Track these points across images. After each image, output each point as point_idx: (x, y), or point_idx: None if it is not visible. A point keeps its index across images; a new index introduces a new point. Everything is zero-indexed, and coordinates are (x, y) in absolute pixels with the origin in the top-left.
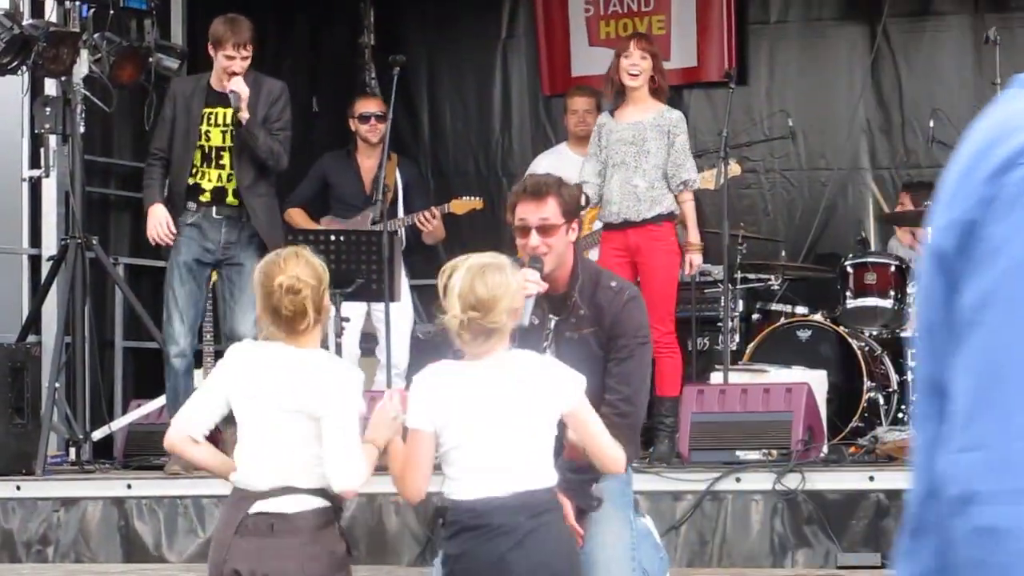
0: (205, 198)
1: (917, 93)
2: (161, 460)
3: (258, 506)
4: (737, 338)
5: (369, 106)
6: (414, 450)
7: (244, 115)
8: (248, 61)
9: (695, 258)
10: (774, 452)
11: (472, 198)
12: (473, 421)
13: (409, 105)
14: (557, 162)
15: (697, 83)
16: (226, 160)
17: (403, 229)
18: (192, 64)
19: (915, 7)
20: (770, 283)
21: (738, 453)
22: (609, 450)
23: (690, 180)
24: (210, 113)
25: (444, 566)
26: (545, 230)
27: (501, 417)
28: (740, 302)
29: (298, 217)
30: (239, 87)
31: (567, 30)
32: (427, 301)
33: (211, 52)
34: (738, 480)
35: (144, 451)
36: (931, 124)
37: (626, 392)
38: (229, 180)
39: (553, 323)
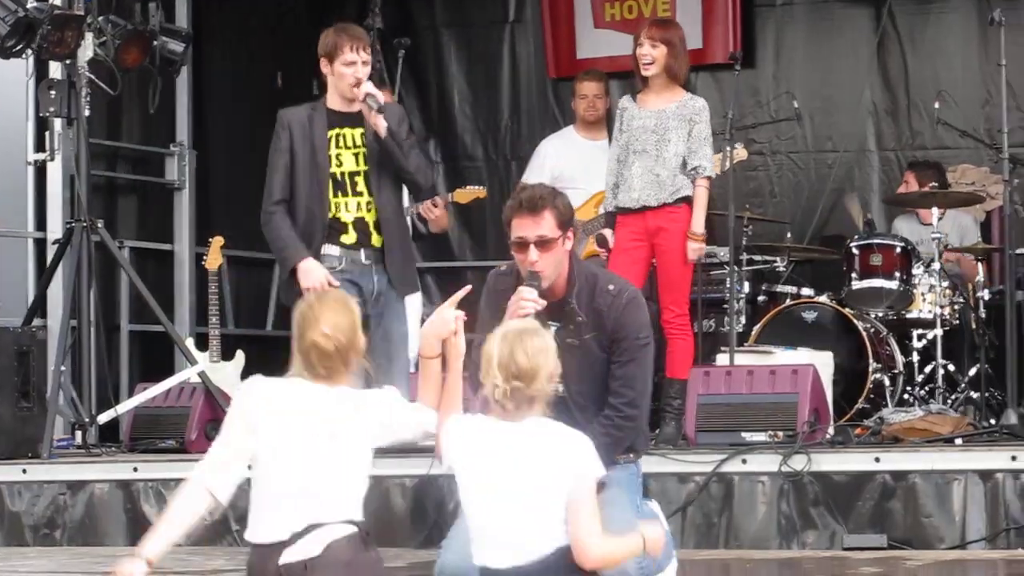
0: (349, 239)
1: (923, 75)
2: (167, 443)
3: (287, 555)
4: (743, 320)
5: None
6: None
7: (383, 124)
8: (369, 67)
9: (691, 246)
10: (780, 434)
11: (476, 187)
12: (496, 487)
13: (417, 89)
14: (563, 145)
15: (702, 65)
16: (363, 187)
17: (410, 217)
18: (196, 48)
19: None
20: (776, 265)
21: (744, 435)
22: (593, 550)
23: (700, 167)
24: (338, 135)
25: None
26: (543, 245)
27: (522, 485)
28: (746, 284)
29: None
30: (374, 89)
31: (572, 13)
32: (439, 284)
33: (325, 71)
34: (744, 462)
35: (150, 434)
36: (936, 106)
37: (630, 396)
38: (369, 210)
39: (552, 331)
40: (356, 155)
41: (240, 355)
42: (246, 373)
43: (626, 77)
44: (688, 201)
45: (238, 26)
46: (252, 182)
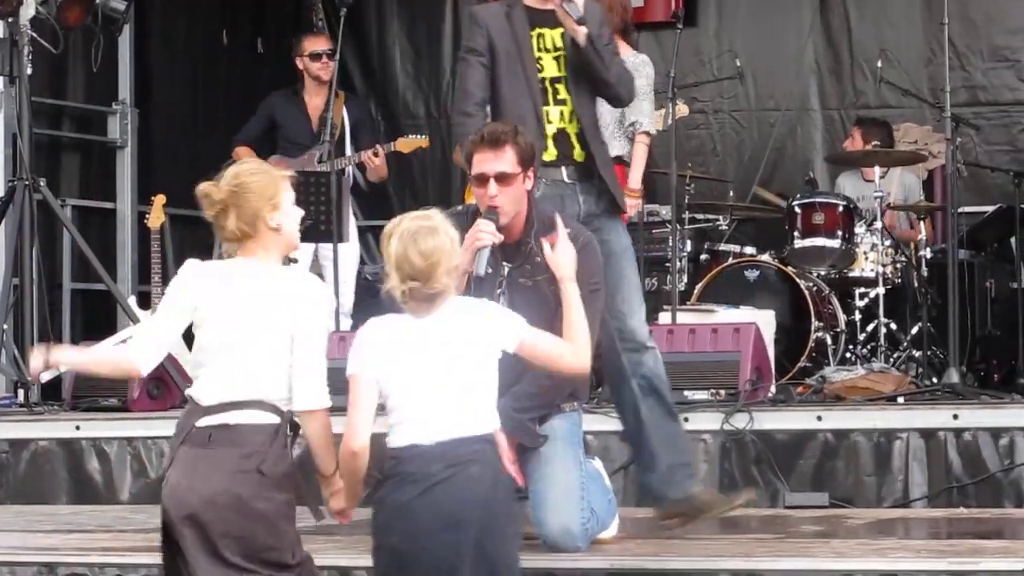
0: (549, 156)
1: (866, 33)
2: (109, 401)
3: (204, 420)
4: (685, 278)
5: (319, 44)
6: (354, 395)
7: (583, 31)
8: None
9: (628, 200)
10: (722, 392)
11: (418, 136)
12: (410, 375)
13: (359, 47)
14: None
15: (644, 24)
16: (564, 94)
17: (351, 168)
18: (139, 6)
19: None
20: (718, 223)
21: (686, 393)
22: (569, 357)
23: (638, 123)
24: (538, 35)
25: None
26: (503, 179)
27: (436, 370)
28: (688, 242)
29: (246, 156)
30: None
31: None
32: (378, 241)
33: None
34: (686, 420)
35: (93, 393)
36: (879, 65)
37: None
38: (571, 120)
39: (507, 271)
40: (557, 59)
41: None
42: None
43: None
44: (621, 161)
45: None
46: (195, 140)
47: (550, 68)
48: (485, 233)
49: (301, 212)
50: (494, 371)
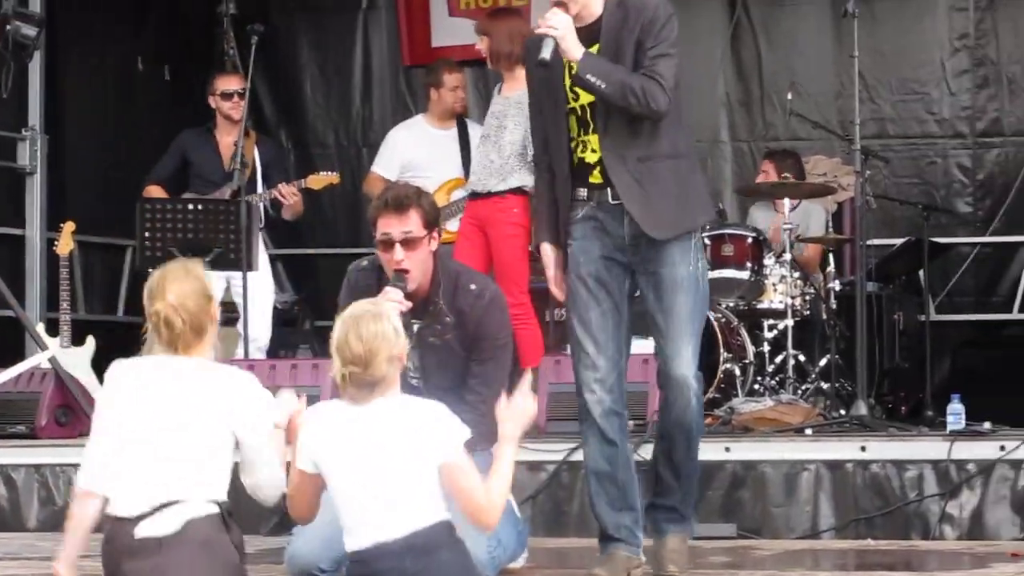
0: (595, 178)
1: (776, 66)
2: (16, 428)
3: (141, 530)
4: None
5: (231, 83)
6: (299, 487)
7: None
8: None
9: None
10: (631, 423)
11: (329, 173)
12: (355, 470)
13: (269, 75)
14: (412, 134)
15: None
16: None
17: (263, 204)
18: (51, 30)
19: None
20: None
21: None
22: (482, 506)
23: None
24: (568, 64)
25: None
26: (409, 243)
27: (382, 466)
28: None
29: (156, 193)
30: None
31: (427, 1)
32: (289, 272)
33: None
34: None
35: (1, 419)
36: (789, 97)
37: (485, 393)
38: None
39: (416, 328)
40: None
41: (91, 341)
42: (96, 359)
43: (479, 66)
44: (516, 192)
45: (93, 9)
46: (106, 167)
47: (585, 95)
48: (393, 302)
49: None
50: (434, 466)
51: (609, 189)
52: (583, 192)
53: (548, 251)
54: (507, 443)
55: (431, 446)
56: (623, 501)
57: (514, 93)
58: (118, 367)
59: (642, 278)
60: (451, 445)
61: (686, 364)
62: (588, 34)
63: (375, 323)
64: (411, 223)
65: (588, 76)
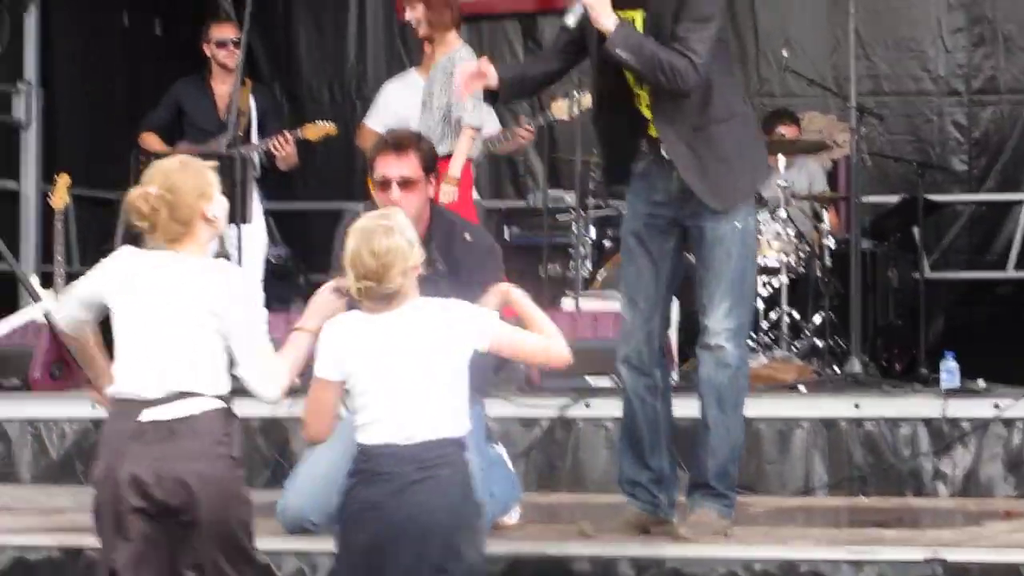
0: (652, 131)
1: (771, 22)
2: (10, 381)
3: (149, 414)
4: (589, 265)
5: (226, 31)
6: (318, 397)
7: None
8: None
9: (444, 187)
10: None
11: (325, 123)
12: (378, 373)
13: (264, 30)
14: (405, 88)
15: (551, 9)
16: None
17: (257, 155)
18: None
19: None
20: (622, 210)
21: (588, 379)
22: (550, 347)
23: (461, 117)
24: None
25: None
26: (406, 185)
27: (403, 368)
28: (592, 229)
29: (151, 141)
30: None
31: None
32: (281, 225)
33: None
34: (588, 406)
35: None
36: (784, 53)
37: None
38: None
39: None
40: None
41: None
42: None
43: (474, 21)
44: (445, 158)
45: None
46: (100, 120)
47: None
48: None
49: (226, 201)
50: (463, 371)
51: (663, 145)
52: (644, 144)
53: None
54: (517, 299)
55: (467, 335)
56: (641, 459)
57: (442, 58)
58: (115, 256)
59: (690, 232)
60: (486, 323)
61: (717, 320)
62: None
63: (387, 237)
64: (409, 165)
65: (618, 50)
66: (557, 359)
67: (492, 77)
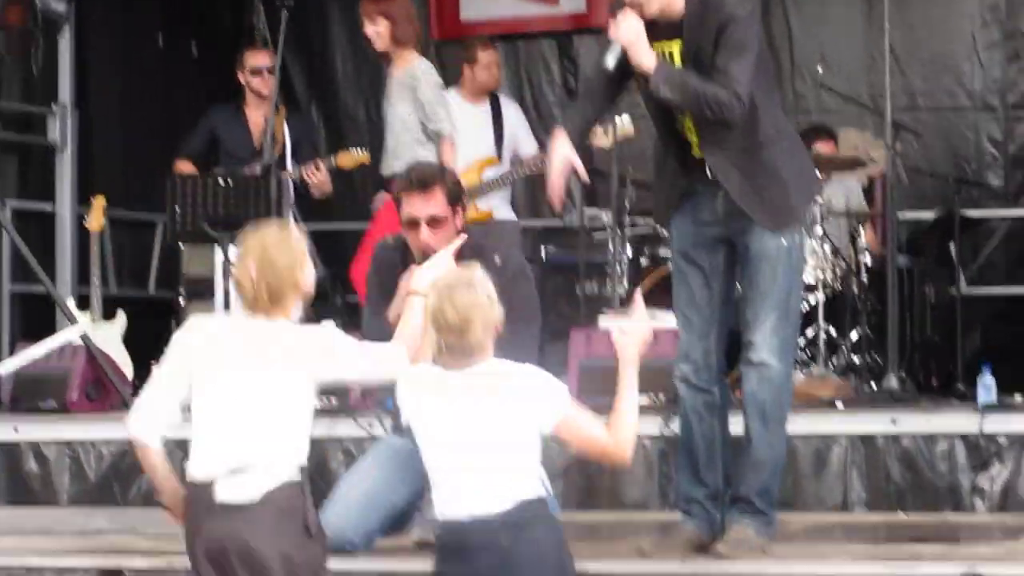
0: (697, 152)
1: (806, 38)
2: (48, 403)
3: (225, 492)
4: (625, 283)
5: (260, 59)
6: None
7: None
8: None
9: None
10: (661, 396)
11: (359, 151)
12: (454, 441)
13: (300, 48)
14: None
15: (587, 29)
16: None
17: (291, 182)
18: (80, 7)
19: None
20: (659, 228)
21: None
22: (610, 450)
23: (439, 129)
24: (659, 51)
25: None
26: (434, 223)
27: (483, 436)
28: (628, 247)
29: (186, 170)
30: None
31: None
32: (319, 247)
33: None
34: None
35: (31, 394)
36: (820, 70)
37: None
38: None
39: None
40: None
41: (121, 316)
42: (127, 334)
43: (509, 40)
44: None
45: None
46: (135, 142)
47: None
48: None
49: (313, 268)
50: (539, 434)
51: (708, 168)
52: (690, 163)
53: (558, 139)
54: (628, 366)
55: (536, 412)
56: (697, 475)
57: (401, 72)
58: (195, 321)
59: (737, 249)
60: (557, 404)
61: (760, 336)
62: (671, 30)
63: (469, 292)
64: (436, 203)
65: (661, 89)
66: (615, 462)
67: (581, 171)
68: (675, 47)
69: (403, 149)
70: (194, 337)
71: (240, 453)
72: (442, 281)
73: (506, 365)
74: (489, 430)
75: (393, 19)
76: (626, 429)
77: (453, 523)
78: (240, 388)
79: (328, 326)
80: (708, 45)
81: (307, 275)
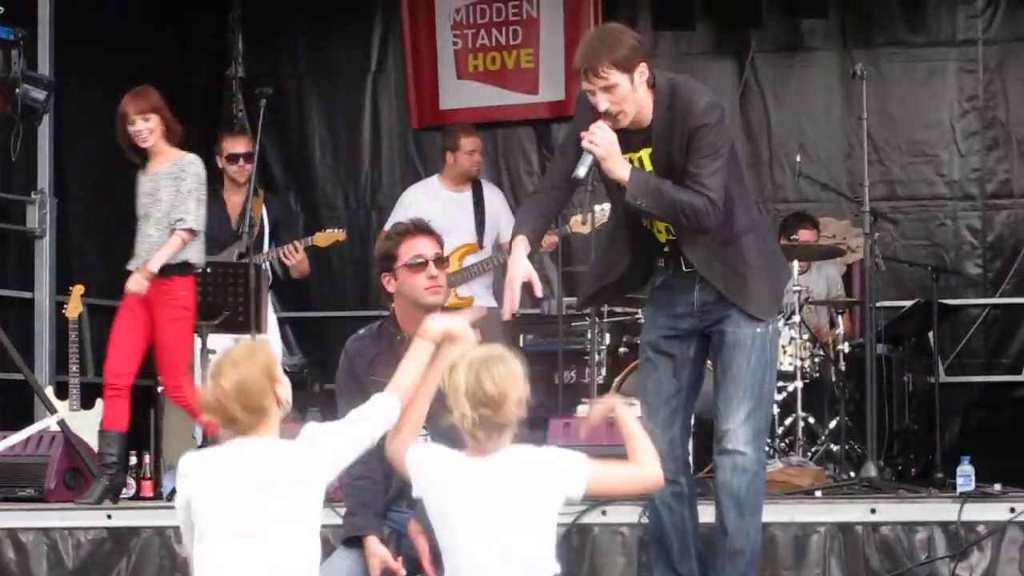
0: (668, 251)
1: (785, 127)
2: (25, 491)
3: None
4: (604, 371)
5: (238, 146)
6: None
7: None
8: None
9: (135, 276)
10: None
11: (336, 230)
12: (475, 526)
13: (279, 138)
14: (427, 196)
15: (566, 116)
16: None
17: (269, 264)
18: (59, 95)
19: (783, 42)
20: (637, 317)
21: None
22: (640, 476)
23: (181, 219)
24: (629, 159)
25: None
26: (439, 263)
27: (503, 520)
28: (607, 335)
29: None
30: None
31: (435, 63)
32: (297, 335)
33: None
34: (604, 513)
35: (9, 482)
36: (798, 159)
37: None
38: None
39: None
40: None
41: (100, 404)
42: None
43: (488, 128)
44: (186, 268)
45: (100, 73)
46: (112, 230)
47: None
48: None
49: (287, 381)
50: (555, 516)
51: (682, 259)
52: (660, 262)
53: (518, 246)
54: (625, 420)
55: (562, 487)
56: (671, 567)
57: (162, 167)
58: (187, 461)
59: (711, 338)
60: (579, 471)
61: (734, 424)
62: (640, 138)
63: (503, 364)
64: (436, 245)
65: (637, 201)
66: (652, 485)
67: (536, 285)
68: (644, 154)
69: (162, 231)
70: (188, 479)
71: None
72: (474, 356)
73: (523, 448)
74: (511, 514)
75: (164, 116)
76: (646, 454)
77: None
78: (245, 513)
79: (310, 425)
80: (678, 152)
81: (285, 388)
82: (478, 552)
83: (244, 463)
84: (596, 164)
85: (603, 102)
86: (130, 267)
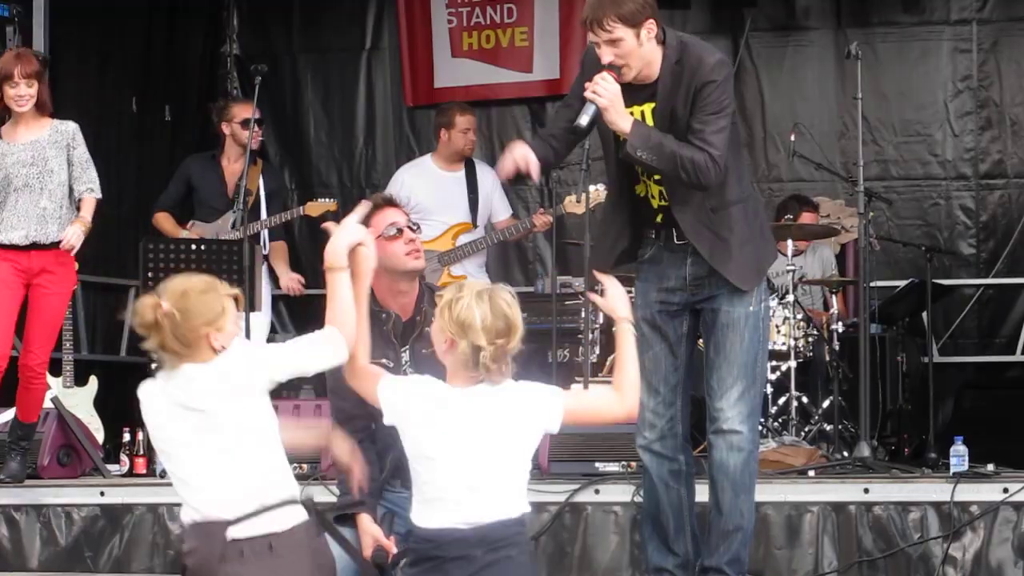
0: (660, 220)
1: (779, 107)
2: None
3: (236, 531)
4: (597, 350)
5: (250, 111)
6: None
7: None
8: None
9: (71, 229)
10: (633, 464)
11: (326, 200)
12: (448, 454)
13: (273, 115)
14: (420, 175)
15: (559, 95)
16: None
17: (264, 233)
18: (54, 72)
19: (778, 22)
20: (631, 295)
21: (597, 465)
22: (616, 407)
23: (91, 189)
24: (630, 112)
25: None
26: (414, 229)
27: (478, 447)
28: (600, 314)
29: (165, 222)
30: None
31: (430, 41)
32: (291, 313)
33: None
34: (597, 492)
35: (2, 459)
36: (792, 138)
37: None
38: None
39: (407, 352)
40: None
41: (93, 381)
42: (99, 398)
43: (483, 106)
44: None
45: (95, 49)
46: (109, 206)
47: None
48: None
49: (235, 334)
50: (531, 449)
51: (674, 229)
52: (651, 232)
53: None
54: (622, 321)
55: (539, 419)
56: (666, 545)
57: (41, 135)
58: (143, 394)
59: (702, 316)
60: (555, 403)
61: (728, 403)
62: (645, 92)
63: (506, 293)
64: (405, 214)
65: (638, 152)
66: (626, 417)
67: (534, 166)
68: (647, 109)
69: (66, 213)
70: (151, 408)
71: (248, 494)
72: (469, 290)
73: (506, 383)
74: (488, 446)
75: (44, 87)
76: (630, 382)
77: (429, 532)
78: (203, 435)
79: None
80: (683, 107)
81: (224, 338)
82: (450, 484)
83: (192, 394)
84: (598, 114)
85: (607, 55)
86: (9, 241)
